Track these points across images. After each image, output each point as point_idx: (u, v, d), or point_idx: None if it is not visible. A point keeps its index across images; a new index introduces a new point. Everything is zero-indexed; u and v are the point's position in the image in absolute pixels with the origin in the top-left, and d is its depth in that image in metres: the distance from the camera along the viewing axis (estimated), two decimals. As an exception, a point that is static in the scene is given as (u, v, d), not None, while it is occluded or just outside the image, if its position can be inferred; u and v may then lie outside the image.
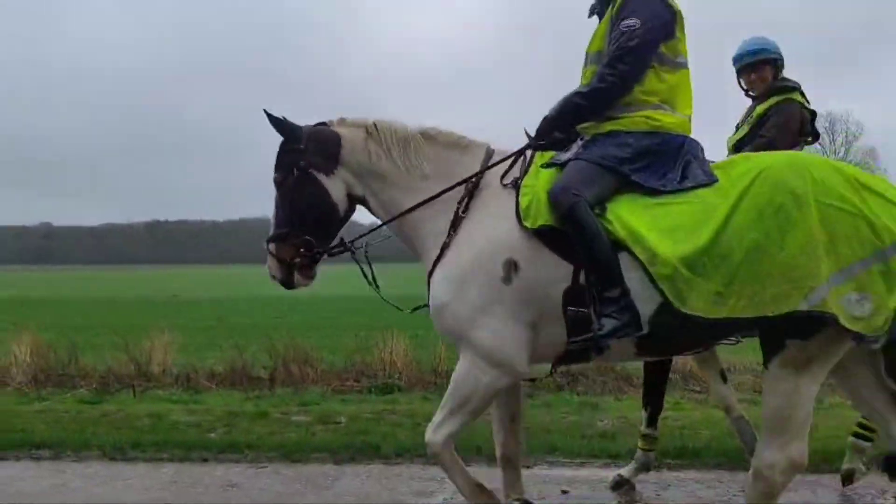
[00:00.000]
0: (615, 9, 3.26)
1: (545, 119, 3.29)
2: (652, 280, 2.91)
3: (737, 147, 4.48)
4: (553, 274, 3.09)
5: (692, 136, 3.29)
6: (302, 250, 3.43)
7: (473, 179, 3.33)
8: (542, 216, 3.09)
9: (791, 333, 2.85)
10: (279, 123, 3.46)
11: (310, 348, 8.57)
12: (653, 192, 3.08)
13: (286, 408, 6.82)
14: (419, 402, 7.24)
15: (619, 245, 2.99)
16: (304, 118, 3.60)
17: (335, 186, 3.44)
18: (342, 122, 3.54)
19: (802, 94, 4.39)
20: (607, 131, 3.24)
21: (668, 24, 3.19)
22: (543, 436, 5.67)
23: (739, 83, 4.59)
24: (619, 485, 4.46)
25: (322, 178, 3.42)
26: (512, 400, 3.60)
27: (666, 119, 3.19)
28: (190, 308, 20.04)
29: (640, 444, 4.50)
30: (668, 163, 3.13)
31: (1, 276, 52.99)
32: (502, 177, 3.31)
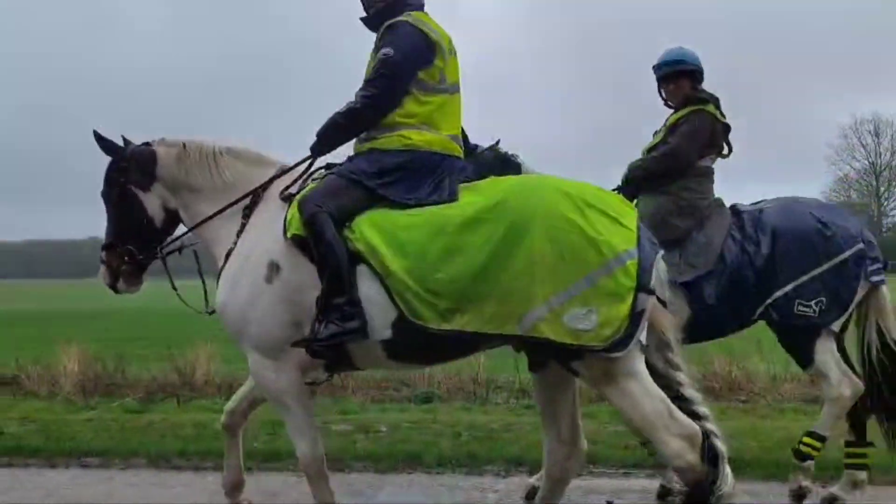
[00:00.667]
0: (378, 39, 3.53)
1: (316, 135, 3.57)
2: (388, 291, 3.11)
3: (648, 154, 4.57)
4: (308, 280, 3.30)
5: (457, 153, 3.52)
6: (126, 259, 3.78)
7: (259, 191, 3.65)
8: (295, 226, 3.32)
9: (561, 357, 3.07)
10: (102, 143, 3.82)
11: (349, 358, 8.59)
12: (401, 207, 3.29)
13: (327, 417, 6.82)
14: (459, 412, 7.20)
15: (359, 256, 3.20)
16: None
17: (151, 201, 3.79)
18: (162, 141, 3.85)
19: (717, 108, 4.42)
20: (367, 150, 3.49)
21: (424, 54, 3.41)
22: (587, 446, 5.61)
23: (660, 92, 4.64)
24: (664, 495, 4.38)
25: (140, 193, 3.77)
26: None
27: (419, 137, 3.40)
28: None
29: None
30: (420, 178, 3.34)
31: (50, 290, 54.45)
32: (283, 190, 3.60)
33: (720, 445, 3.07)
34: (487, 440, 5.86)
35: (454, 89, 3.54)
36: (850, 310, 4.09)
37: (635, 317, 2.92)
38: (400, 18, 3.46)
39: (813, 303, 3.98)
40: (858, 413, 4.24)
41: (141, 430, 6.41)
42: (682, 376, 3.14)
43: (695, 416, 3.08)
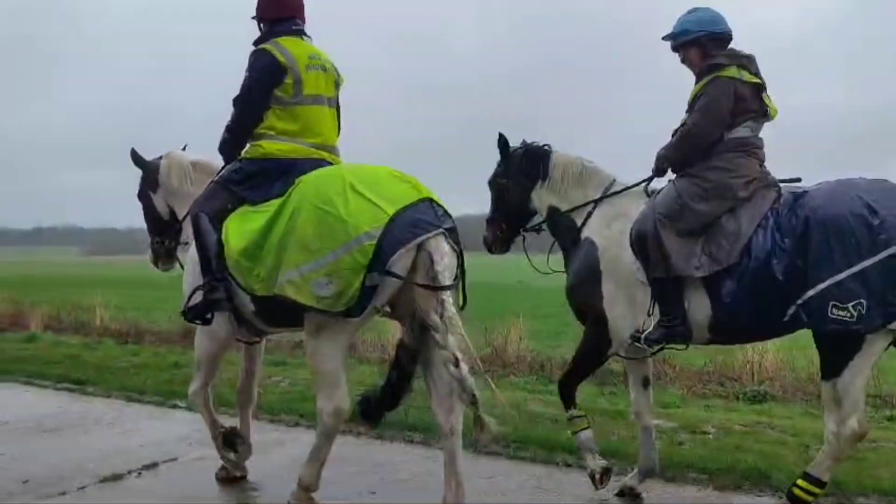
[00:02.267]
0: None
1: (217, 151, 4.31)
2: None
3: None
4: None
5: (314, 155, 4.09)
6: (155, 246, 4.90)
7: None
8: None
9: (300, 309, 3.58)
10: (134, 158, 4.92)
11: (668, 344, 7.87)
12: (256, 204, 3.97)
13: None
14: (801, 418, 6.19)
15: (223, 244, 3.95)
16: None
17: (159, 201, 4.86)
18: (167, 154, 4.84)
19: (744, 68, 3.91)
20: (238, 159, 4.21)
21: (274, 74, 4.03)
22: None
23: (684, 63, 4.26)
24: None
25: (152, 195, 4.87)
26: (247, 359, 4.80)
27: (272, 147, 4.07)
28: (536, 294, 20.00)
29: None
30: (273, 181, 3.99)
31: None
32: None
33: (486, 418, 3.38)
34: (848, 459, 4.84)
35: (313, 101, 4.11)
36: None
37: (366, 291, 3.39)
38: (261, 46, 4.10)
39: (850, 305, 3.35)
40: None
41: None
42: (446, 354, 3.36)
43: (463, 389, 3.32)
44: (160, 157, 4.86)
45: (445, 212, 3.61)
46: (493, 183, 4.73)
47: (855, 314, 3.34)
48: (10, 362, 9.02)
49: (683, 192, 3.89)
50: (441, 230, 3.48)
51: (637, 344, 4.00)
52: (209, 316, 4.01)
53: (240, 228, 3.91)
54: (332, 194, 3.48)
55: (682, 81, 4.23)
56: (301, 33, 4.24)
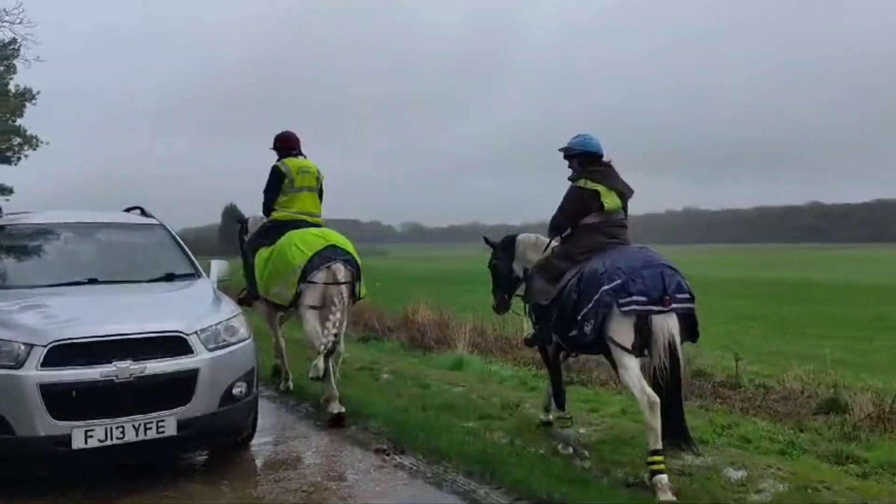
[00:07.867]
0: None
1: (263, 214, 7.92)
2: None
3: None
4: None
5: (299, 219, 7.34)
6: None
7: None
8: None
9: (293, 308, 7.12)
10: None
11: None
12: (266, 245, 7.32)
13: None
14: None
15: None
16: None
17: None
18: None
19: (590, 178, 5.52)
20: (267, 221, 7.66)
21: (278, 177, 7.41)
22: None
23: None
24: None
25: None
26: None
27: (277, 215, 7.43)
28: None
29: None
30: (276, 233, 7.20)
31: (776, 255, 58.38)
32: None
33: (319, 364, 6.27)
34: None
35: (299, 190, 7.41)
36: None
37: (299, 293, 6.66)
38: (274, 164, 7.48)
39: (586, 324, 5.02)
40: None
41: None
42: (325, 330, 6.46)
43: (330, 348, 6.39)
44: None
45: (343, 250, 6.73)
46: (490, 265, 6.78)
47: (588, 330, 4.99)
48: (437, 432, 5.91)
49: (554, 252, 5.78)
50: (338, 260, 6.60)
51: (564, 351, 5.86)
52: (250, 304, 7.65)
53: (260, 259, 7.18)
54: (286, 248, 6.73)
55: None
56: (297, 155, 7.49)
